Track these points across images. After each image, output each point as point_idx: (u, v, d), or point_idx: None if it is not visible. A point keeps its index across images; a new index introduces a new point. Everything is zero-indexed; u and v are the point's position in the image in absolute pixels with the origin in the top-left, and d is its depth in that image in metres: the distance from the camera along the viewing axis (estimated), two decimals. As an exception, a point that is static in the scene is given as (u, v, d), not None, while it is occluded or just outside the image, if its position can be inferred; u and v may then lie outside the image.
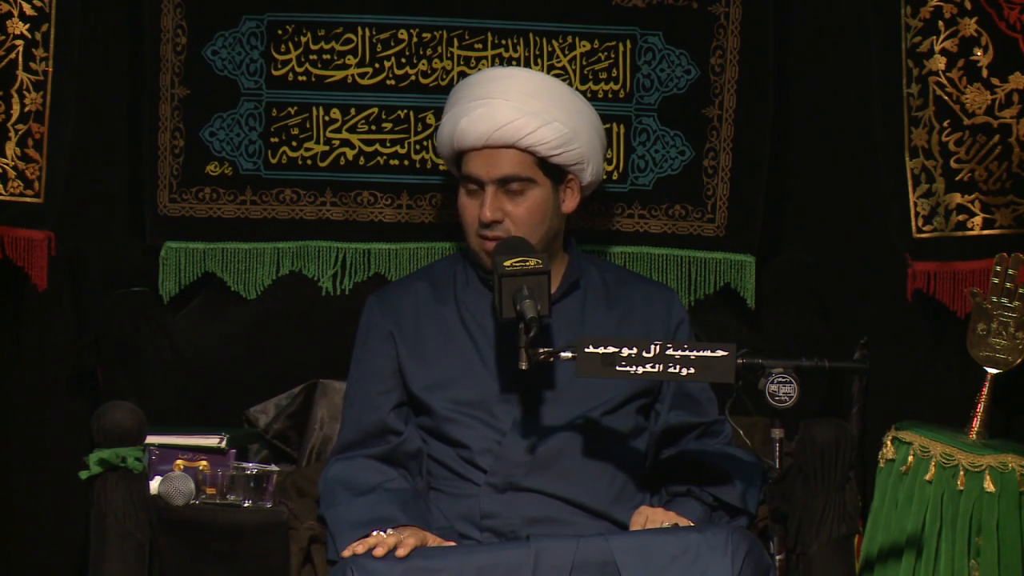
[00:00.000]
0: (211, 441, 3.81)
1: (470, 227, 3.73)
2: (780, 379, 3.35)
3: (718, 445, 3.74)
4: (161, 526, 3.62)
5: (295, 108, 4.18)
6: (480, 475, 3.64)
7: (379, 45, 4.18)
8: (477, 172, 3.71)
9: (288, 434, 4.10)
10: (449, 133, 3.76)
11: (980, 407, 3.87)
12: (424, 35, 4.18)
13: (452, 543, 3.54)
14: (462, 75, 4.15)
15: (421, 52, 4.18)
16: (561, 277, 3.77)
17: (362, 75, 4.19)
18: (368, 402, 3.74)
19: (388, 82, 4.19)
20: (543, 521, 3.59)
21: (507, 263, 3.50)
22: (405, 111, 4.19)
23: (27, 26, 4.03)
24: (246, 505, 3.68)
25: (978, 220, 4.03)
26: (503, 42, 4.18)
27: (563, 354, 3.44)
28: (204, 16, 4.15)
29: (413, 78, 4.19)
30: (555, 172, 3.74)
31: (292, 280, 4.20)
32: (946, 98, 4.04)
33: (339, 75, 4.18)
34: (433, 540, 3.50)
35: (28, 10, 4.03)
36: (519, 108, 3.71)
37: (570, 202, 3.79)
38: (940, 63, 4.04)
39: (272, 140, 4.19)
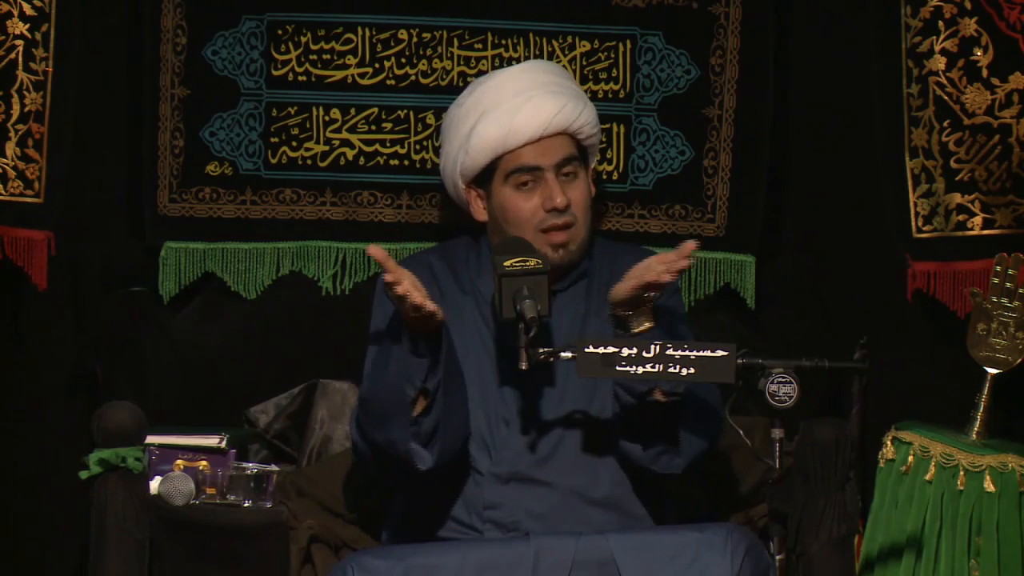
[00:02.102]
0: (211, 441, 3.82)
1: (528, 224, 3.70)
2: (780, 379, 3.35)
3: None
4: (161, 526, 3.62)
5: (295, 108, 4.18)
6: (485, 463, 3.64)
7: (379, 45, 4.18)
8: (536, 161, 3.71)
9: (288, 434, 4.10)
10: (499, 133, 3.71)
11: (980, 407, 3.87)
12: (424, 35, 4.18)
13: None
14: (462, 75, 4.16)
15: (421, 52, 4.18)
16: (575, 266, 3.77)
17: (362, 75, 4.19)
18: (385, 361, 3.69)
19: (388, 82, 4.19)
20: (546, 514, 3.59)
21: (507, 263, 3.50)
22: (405, 111, 4.19)
23: (27, 26, 4.03)
24: (246, 505, 3.68)
25: (978, 220, 4.03)
26: (503, 42, 4.18)
27: (563, 354, 3.44)
28: (204, 16, 4.15)
29: (413, 78, 4.19)
30: (584, 157, 3.79)
31: (292, 280, 4.20)
32: (946, 98, 4.04)
33: (339, 75, 4.18)
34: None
35: (28, 10, 4.03)
36: (562, 93, 3.77)
37: (593, 188, 3.81)
38: (940, 63, 4.04)
39: (272, 140, 4.19)
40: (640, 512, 3.66)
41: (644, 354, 3.36)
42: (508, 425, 3.65)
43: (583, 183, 3.74)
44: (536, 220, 3.70)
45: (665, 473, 3.61)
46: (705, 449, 3.62)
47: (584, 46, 4.20)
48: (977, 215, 4.03)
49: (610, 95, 4.19)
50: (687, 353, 3.36)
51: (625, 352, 3.36)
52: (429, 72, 4.19)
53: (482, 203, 3.79)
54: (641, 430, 3.58)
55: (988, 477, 3.75)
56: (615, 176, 4.21)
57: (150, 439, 3.71)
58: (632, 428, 3.59)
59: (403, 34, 4.18)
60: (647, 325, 3.53)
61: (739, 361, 3.36)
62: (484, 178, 3.76)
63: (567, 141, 3.74)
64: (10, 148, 4.04)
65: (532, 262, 3.50)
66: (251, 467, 3.74)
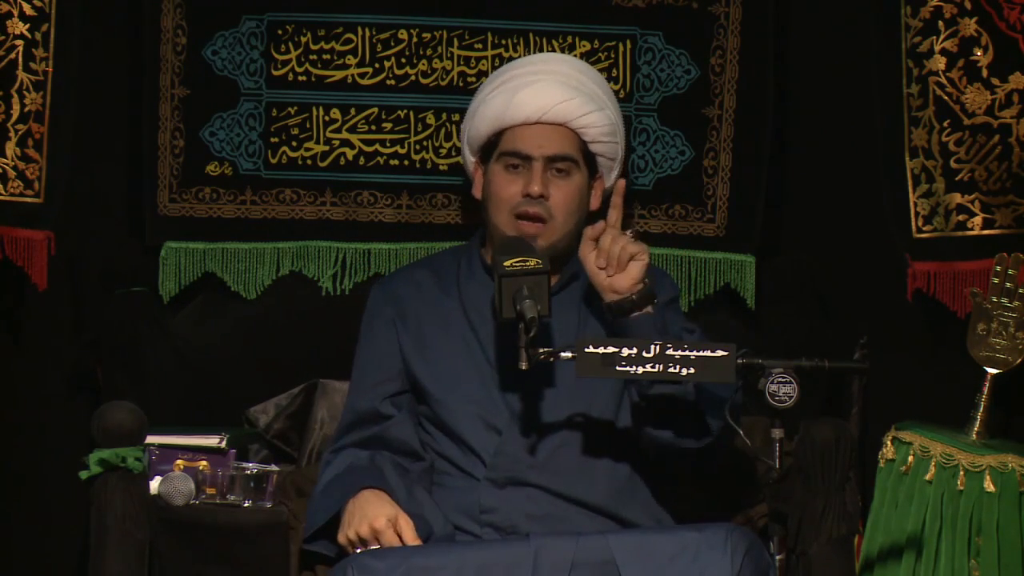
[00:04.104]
0: (211, 441, 3.82)
1: (505, 204, 3.71)
2: (780, 379, 3.35)
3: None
4: (161, 526, 3.62)
5: (295, 108, 4.18)
6: (480, 469, 3.64)
7: (379, 45, 4.18)
8: (527, 148, 3.71)
9: (288, 434, 4.10)
10: (501, 105, 3.74)
11: (980, 407, 3.87)
12: (424, 35, 4.18)
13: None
14: (462, 75, 4.16)
15: (421, 52, 4.18)
16: (563, 270, 3.77)
17: (362, 75, 4.19)
18: (365, 389, 3.75)
19: (388, 82, 4.19)
20: (543, 517, 3.59)
21: (507, 263, 3.50)
22: (405, 111, 4.19)
23: (27, 26, 4.03)
24: (246, 505, 3.68)
25: (978, 220, 4.03)
26: (503, 42, 4.18)
27: (563, 354, 3.44)
28: (204, 16, 4.15)
29: (413, 78, 4.19)
30: (591, 164, 3.78)
31: (292, 280, 4.20)
32: (946, 98, 4.04)
33: (339, 75, 4.18)
34: (404, 520, 3.52)
35: (28, 10, 4.03)
36: (576, 88, 3.76)
37: (594, 201, 3.81)
38: (940, 63, 4.04)
39: (272, 140, 4.19)
40: (638, 521, 3.66)
41: (644, 354, 3.36)
42: (500, 433, 3.65)
43: (573, 186, 3.73)
44: (513, 203, 3.70)
45: (697, 448, 3.58)
46: (722, 425, 3.59)
47: (584, 46, 4.20)
48: (977, 215, 4.03)
49: (610, 95, 4.19)
50: (687, 353, 3.36)
51: (625, 352, 3.36)
52: (429, 72, 4.19)
53: (481, 181, 3.81)
54: (663, 418, 3.58)
55: (988, 477, 3.75)
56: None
57: (150, 439, 3.71)
58: (655, 419, 3.59)
59: (403, 34, 4.18)
60: (648, 309, 3.55)
61: (739, 361, 3.36)
62: (487, 154, 3.78)
63: (568, 137, 3.74)
64: (10, 148, 4.04)
65: (532, 262, 3.50)
66: (251, 467, 3.74)
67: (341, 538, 3.52)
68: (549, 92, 3.73)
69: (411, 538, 3.48)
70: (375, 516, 3.49)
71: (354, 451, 3.70)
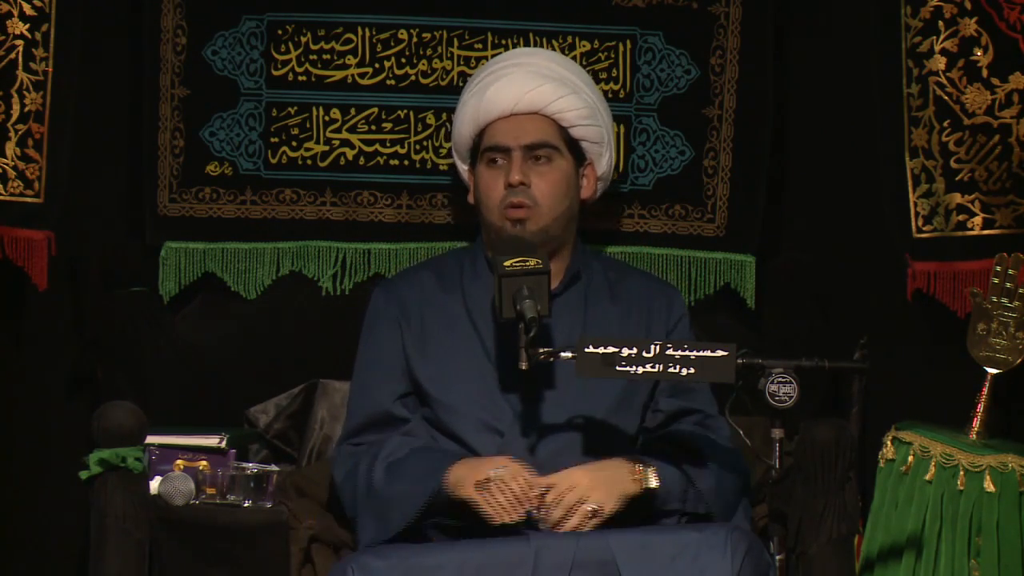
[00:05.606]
0: (211, 441, 3.82)
1: (493, 201, 3.71)
2: (780, 379, 3.35)
3: (713, 438, 3.72)
4: (161, 526, 3.62)
5: (295, 108, 4.18)
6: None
7: (379, 45, 4.18)
8: (503, 140, 3.72)
9: (288, 434, 4.10)
10: (474, 107, 3.75)
11: (980, 407, 3.87)
12: (424, 35, 4.18)
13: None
14: (462, 75, 4.16)
15: (421, 52, 4.19)
16: (564, 269, 3.78)
17: (362, 75, 4.19)
18: (372, 391, 3.73)
19: (388, 82, 4.19)
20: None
21: (507, 263, 3.50)
22: (405, 111, 4.20)
23: (27, 26, 4.03)
24: (246, 505, 3.68)
25: (978, 220, 4.03)
26: (503, 42, 4.18)
27: (563, 354, 3.44)
28: (204, 16, 4.15)
29: (413, 78, 4.19)
30: (576, 150, 3.77)
31: (292, 280, 4.20)
32: (946, 98, 4.04)
33: (339, 75, 4.18)
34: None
35: (28, 10, 4.03)
36: (545, 76, 3.76)
37: (587, 188, 3.81)
38: (940, 63, 4.04)
39: (272, 140, 4.19)
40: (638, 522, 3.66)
41: (644, 354, 3.36)
42: (502, 434, 3.65)
43: (557, 172, 3.73)
44: (499, 197, 3.70)
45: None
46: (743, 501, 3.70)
47: (584, 46, 4.20)
48: (977, 215, 4.03)
49: (610, 95, 4.19)
50: (687, 353, 3.36)
51: (625, 352, 3.36)
52: (429, 72, 4.19)
53: (472, 185, 3.82)
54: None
55: (988, 477, 3.75)
56: (615, 176, 4.21)
57: (150, 439, 3.71)
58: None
59: (403, 34, 4.18)
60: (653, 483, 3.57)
61: (739, 361, 3.36)
62: (474, 157, 3.78)
63: (545, 124, 3.74)
64: (10, 148, 4.04)
65: (532, 262, 3.50)
66: (251, 467, 3.74)
67: (468, 489, 3.47)
68: (519, 82, 3.74)
69: (528, 476, 3.46)
70: (492, 461, 3.49)
71: (398, 439, 3.67)
